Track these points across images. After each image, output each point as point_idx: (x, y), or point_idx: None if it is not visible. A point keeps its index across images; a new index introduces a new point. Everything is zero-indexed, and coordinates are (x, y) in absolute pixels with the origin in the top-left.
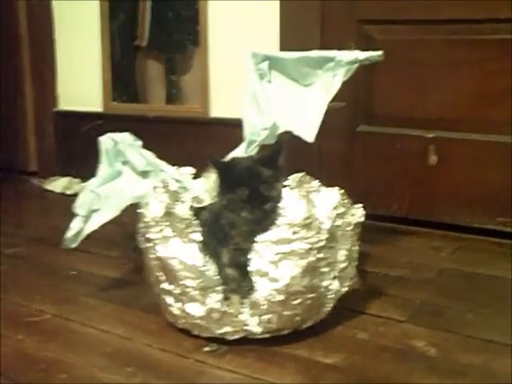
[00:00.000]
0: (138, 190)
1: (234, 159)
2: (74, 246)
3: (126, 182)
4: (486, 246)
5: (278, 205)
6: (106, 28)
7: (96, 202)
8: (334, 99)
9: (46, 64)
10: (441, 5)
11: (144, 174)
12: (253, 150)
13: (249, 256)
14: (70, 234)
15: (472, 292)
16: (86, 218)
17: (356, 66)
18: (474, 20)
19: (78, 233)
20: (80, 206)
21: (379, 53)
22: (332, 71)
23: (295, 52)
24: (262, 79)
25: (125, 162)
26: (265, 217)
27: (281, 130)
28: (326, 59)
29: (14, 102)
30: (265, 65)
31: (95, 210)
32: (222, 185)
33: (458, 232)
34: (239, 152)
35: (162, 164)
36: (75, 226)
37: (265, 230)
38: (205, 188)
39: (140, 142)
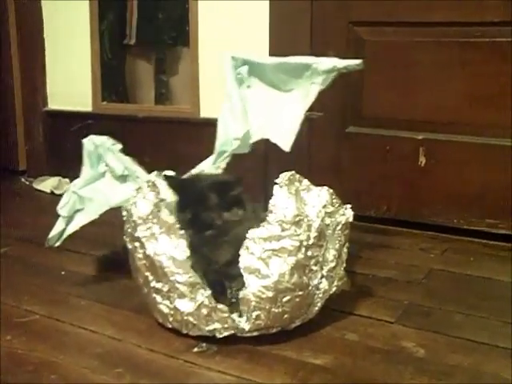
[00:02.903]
0: (118, 197)
1: (189, 178)
2: (56, 245)
3: (108, 185)
4: (474, 247)
5: (224, 236)
6: (95, 27)
7: (78, 203)
8: (313, 107)
9: (35, 63)
10: (432, 7)
11: (122, 179)
12: (223, 160)
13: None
14: (53, 233)
15: (461, 293)
16: (69, 218)
17: (334, 74)
18: (464, 23)
19: (61, 232)
20: (63, 207)
21: (358, 61)
22: (309, 79)
23: (274, 57)
24: (240, 84)
25: (107, 166)
26: (204, 243)
27: (257, 138)
28: (303, 66)
29: (3, 101)
30: (244, 69)
31: (78, 210)
32: (177, 202)
33: (446, 233)
34: (208, 163)
35: (138, 170)
36: (58, 226)
37: (211, 255)
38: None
39: (119, 146)
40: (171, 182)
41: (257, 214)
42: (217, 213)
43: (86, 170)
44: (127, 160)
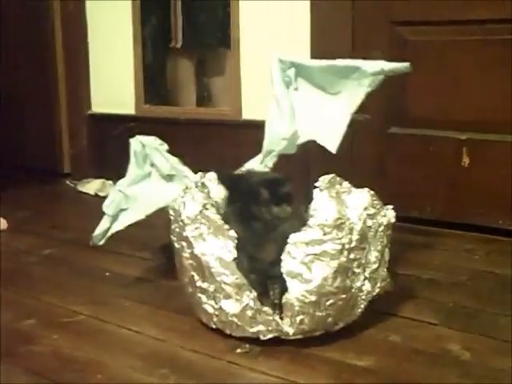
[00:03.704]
0: (165, 197)
1: (240, 174)
2: (101, 243)
3: (154, 185)
4: None
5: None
6: (138, 31)
7: (124, 202)
8: (361, 109)
9: (79, 67)
10: (474, 5)
11: (168, 178)
12: (270, 160)
13: (270, 264)
14: (97, 231)
15: (506, 295)
16: (114, 217)
17: (381, 76)
18: (508, 20)
19: (106, 231)
20: (108, 206)
21: (406, 64)
22: (357, 81)
23: (322, 60)
24: (287, 86)
25: (152, 165)
26: (252, 239)
27: (304, 140)
28: (351, 68)
29: (48, 104)
30: (291, 72)
31: (123, 210)
32: (228, 196)
33: (491, 234)
34: (255, 162)
35: (185, 170)
36: (103, 224)
37: (256, 253)
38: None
39: (166, 147)
40: (223, 177)
41: (300, 215)
42: (266, 207)
43: (132, 170)
44: (174, 160)
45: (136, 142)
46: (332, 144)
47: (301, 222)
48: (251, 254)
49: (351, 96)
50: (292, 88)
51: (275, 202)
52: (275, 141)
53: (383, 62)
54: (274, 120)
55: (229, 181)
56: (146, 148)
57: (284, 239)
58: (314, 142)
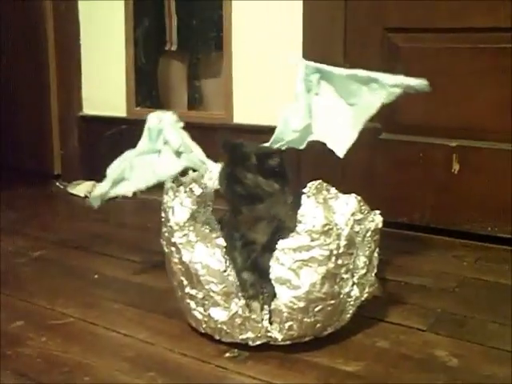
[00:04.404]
0: (166, 170)
1: (241, 143)
2: (97, 205)
3: (161, 159)
4: (508, 255)
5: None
6: (130, 33)
7: (128, 171)
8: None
9: (71, 69)
10: (467, 13)
11: (178, 154)
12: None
13: (263, 253)
14: (95, 193)
15: (494, 302)
16: (114, 183)
17: (399, 91)
18: (500, 28)
19: (103, 195)
20: (112, 170)
21: (424, 82)
22: (374, 92)
23: (344, 69)
24: (309, 90)
25: (165, 143)
26: (236, 198)
27: (314, 138)
28: (371, 79)
29: (39, 106)
30: (315, 77)
31: (125, 179)
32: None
33: (480, 241)
34: None
35: (193, 146)
36: (102, 187)
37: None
38: None
39: (181, 124)
40: (224, 143)
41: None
42: (252, 174)
43: (143, 143)
44: (186, 136)
45: (153, 117)
46: (340, 149)
47: (290, 209)
48: (245, 240)
49: (366, 106)
50: (313, 92)
51: (263, 173)
52: (286, 132)
53: (403, 76)
54: (288, 115)
55: (229, 146)
56: (162, 123)
57: (275, 222)
58: (323, 144)
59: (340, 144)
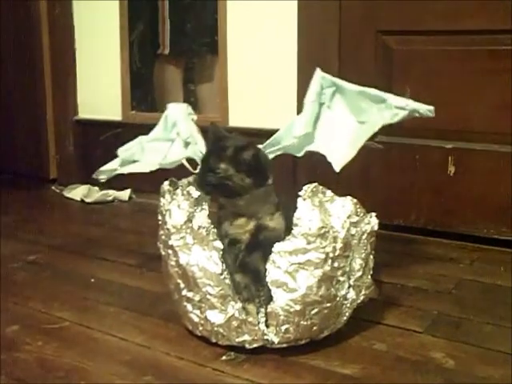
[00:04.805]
0: (168, 157)
1: (226, 134)
2: (103, 179)
3: (172, 148)
4: (504, 257)
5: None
6: (125, 38)
7: (138, 154)
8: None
9: (66, 73)
10: (461, 15)
11: (186, 145)
12: (273, 153)
13: (249, 253)
14: (104, 168)
15: (491, 304)
16: (124, 162)
17: (404, 113)
18: (494, 30)
19: (112, 171)
20: (124, 151)
21: (430, 108)
22: (381, 111)
23: (356, 85)
24: (322, 103)
25: (178, 133)
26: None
27: (314, 149)
28: (379, 98)
29: (35, 110)
30: (329, 91)
31: (135, 161)
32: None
33: (476, 243)
34: None
35: (198, 139)
36: (112, 164)
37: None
38: None
39: (195, 117)
40: (214, 130)
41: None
42: (225, 164)
43: (158, 130)
44: (195, 129)
45: (173, 107)
46: (338, 163)
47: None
48: (232, 238)
49: (370, 124)
50: (325, 106)
51: (236, 165)
52: (286, 136)
53: (411, 101)
54: (294, 121)
55: (213, 135)
56: (176, 114)
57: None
58: (322, 155)
59: (338, 159)
